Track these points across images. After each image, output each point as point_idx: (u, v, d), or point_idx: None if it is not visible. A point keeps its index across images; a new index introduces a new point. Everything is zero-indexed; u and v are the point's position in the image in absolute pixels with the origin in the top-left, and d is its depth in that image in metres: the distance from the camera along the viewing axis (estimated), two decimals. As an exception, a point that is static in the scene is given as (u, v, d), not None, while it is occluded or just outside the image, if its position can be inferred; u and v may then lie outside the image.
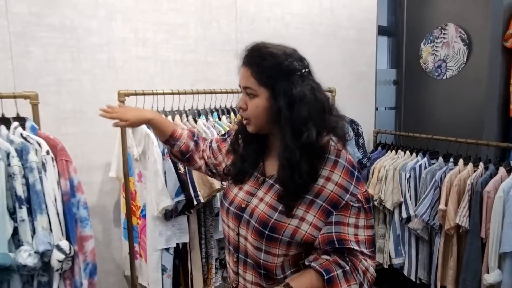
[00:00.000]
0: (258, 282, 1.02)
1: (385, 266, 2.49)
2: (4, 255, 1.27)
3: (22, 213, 1.36)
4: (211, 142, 1.27)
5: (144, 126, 1.67)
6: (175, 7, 2.09)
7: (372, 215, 1.00)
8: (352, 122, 2.17)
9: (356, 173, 0.98)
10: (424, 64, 2.90)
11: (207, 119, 1.84)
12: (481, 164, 2.06)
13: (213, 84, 2.16)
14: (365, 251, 0.95)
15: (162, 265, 1.70)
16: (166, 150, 1.56)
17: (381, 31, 2.93)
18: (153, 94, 1.78)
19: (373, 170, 2.45)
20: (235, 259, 1.07)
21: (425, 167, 2.28)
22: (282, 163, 0.98)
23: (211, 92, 1.94)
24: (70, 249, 1.40)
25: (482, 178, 1.96)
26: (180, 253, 1.71)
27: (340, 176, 0.96)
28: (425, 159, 2.32)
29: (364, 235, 0.96)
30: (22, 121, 1.48)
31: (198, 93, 1.90)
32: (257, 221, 0.99)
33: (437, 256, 2.17)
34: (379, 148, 2.65)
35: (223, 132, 1.72)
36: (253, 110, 1.00)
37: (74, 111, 1.89)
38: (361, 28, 2.75)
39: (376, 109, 2.94)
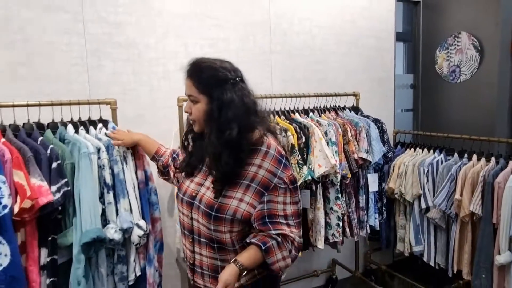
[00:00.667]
0: (212, 256, 1.26)
1: (406, 254, 2.73)
2: (99, 229, 1.58)
3: (109, 197, 1.67)
4: (177, 154, 1.59)
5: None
6: (218, 24, 2.39)
7: (297, 193, 1.23)
8: (377, 121, 2.42)
9: (283, 160, 1.22)
10: (440, 69, 3.14)
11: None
12: (493, 159, 2.29)
13: (250, 90, 2.45)
14: (290, 222, 1.21)
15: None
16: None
17: (398, 37, 3.17)
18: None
19: (394, 166, 2.70)
20: (190, 240, 1.30)
21: (442, 163, 2.52)
22: (209, 155, 1.22)
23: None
24: (147, 227, 1.70)
25: (493, 171, 2.19)
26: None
27: (270, 163, 1.20)
28: (442, 155, 2.56)
29: (291, 210, 1.21)
30: (105, 123, 1.80)
31: None
32: (205, 205, 1.22)
33: (454, 242, 2.40)
34: (399, 146, 2.90)
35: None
36: (196, 113, 1.23)
37: (135, 116, 2.20)
38: (380, 37, 3.01)
39: (395, 111, 3.19)
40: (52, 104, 1.72)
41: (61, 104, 1.73)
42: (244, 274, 1.18)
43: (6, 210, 1.46)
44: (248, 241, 1.21)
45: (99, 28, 2.08)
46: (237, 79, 1.22)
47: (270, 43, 2.59)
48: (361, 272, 3.00)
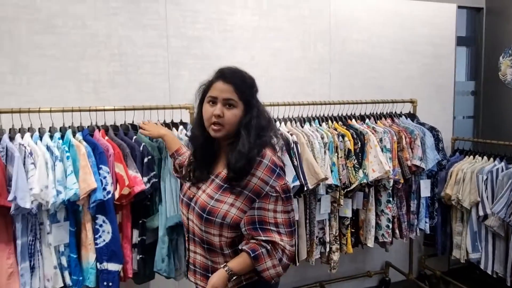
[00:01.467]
0: (203, 255, 1.32)
1: (462, 261, 2.74)
2: (181, 216, 1.85)
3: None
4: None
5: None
6: (281, 35, 2.61)
7: (290, 203, 1.25)
8: (433, 129, 2.48)
9: (277, 170, 1.24)
10: (503, 76, 3.09)
11: (310, 125, 2.32)
12: (557, 168, 2.26)
13: (309, 97, 2.63)
14: (281, 231, 1.22)
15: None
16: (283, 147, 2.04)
17: (460, 42, 3.16)
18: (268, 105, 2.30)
19: (451, 172, 2.72)
20: (187, 238, 1.38)
21: (502, 171, 2.51)
22: (240, 155, 1.21)
23: (311, 103, 2.41)
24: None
25: (556, 181, 2.17)
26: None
27: (263, 172, 1.22)
28: (502, 163, 2.55)
29: (282, 218, 1.22)
30: (185, 125, 2.09)
31: (300, 104, 2.37)
32: (199, 207, 1.27)
33: (513, 251, 2.39)
34: (457, 153, 2.91)
35: (328, 136, 2.18)
36: (230, 117, 1.24)
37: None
38: (439, 44, 3.03)
39: (454, 118, 3.18)
40: (143, 109, 2.04)
41: (150, 109, 2.04)
42: (233, 279, 1.22)
43: (110, 195, 1.78)
44: (239, 248, 1.24)
45: (180, 42, 2.39)
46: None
47: (329, 52, 2.75)
48: (415, 277, 3.05)
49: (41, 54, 2.14)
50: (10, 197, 1.61)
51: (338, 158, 2.15)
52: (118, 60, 2.27)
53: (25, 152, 1.71)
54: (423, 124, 2.53)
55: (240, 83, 1.27)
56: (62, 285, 1.80)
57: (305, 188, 2.01)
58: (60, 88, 2.18)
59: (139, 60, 2.31)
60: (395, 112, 2.64)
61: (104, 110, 1.98)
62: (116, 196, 1.80)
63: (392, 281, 3.07)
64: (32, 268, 1.77)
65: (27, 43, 2.11)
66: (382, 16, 2.86)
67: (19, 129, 1.84)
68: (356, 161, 2.16)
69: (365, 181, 2.13)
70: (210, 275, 1.28)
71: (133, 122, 2.05)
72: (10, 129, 1.85)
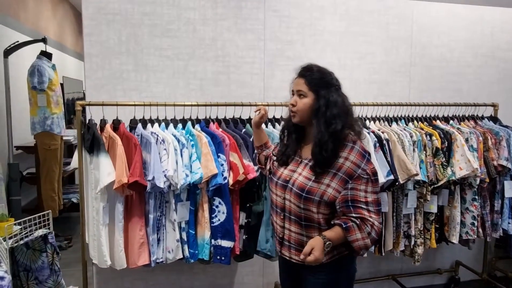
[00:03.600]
0: (299, 232, 1.47)
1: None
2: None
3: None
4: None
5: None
6: (367, 40, 2.77)
7: (377, 185, 1.42)
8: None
9: (366, 155, 1.43)
10: None
11: (397, 124, 2.47)
12: None
13: (389, 98, 2.77)
14: (371, 209, 1.38)
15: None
16: (377, 144, 2.21)
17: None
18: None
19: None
20: (282, 217, 1.52)
21: None
22: (315, 142, 1.41)
23: (397, 104, 2.55)
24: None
25: None
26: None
27: (355, 156, 1.41)
28: None
29: (372, 198, 1.39)
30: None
31: (382, 105, 2.50)
32: (297, 187, 1.44)
33: None
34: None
35: (416, 134, 2.32)
36: (301, 106, 1.47)
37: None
38: (519, 49, 3.07)
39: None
40: (250, 105, 2.27)
41: (253, 105, 2.27)
42: (327, 246, 1.34)
43: (226, 181, 2.03)
44: (332, 222, 1.41)
45: (274, 45, 2.61)
46: (340, 86, 1.50)
47: (410, 56, 2.87)
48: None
49: (159, 55, 2.43)
50: (149, 177, 1.90)
51: (426, 156, 2.28)
52: (221, 60, 2.53)
53: (157, 139, 1.99)
54: (506, 127, 2.60)
55: (309, 76, 1.49)
56: (182, 256, 2.07)
57: (396, 183, 2.16)
58: (172, 85, 2.47)
59: (240, 61, 2.56)
60: (477, 115, 2.72)
61: (218, 105, 2.23)
62: (231, 182, 2.04)
63: (461, 280, 3.13)
64: (158, 240, 2.05)
65: (148, 45, 2.41)
66: (461, 22, 2.94)
67: (139, 119, 2.13)
68: (444, 159, 2.29)
69: (453, 178, 2.25)
70: None
71: (234, 116, 2.29)
72: (131, 120, 2.15)
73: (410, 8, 2.84)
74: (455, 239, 2.41)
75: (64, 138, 4.01)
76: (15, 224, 2.28)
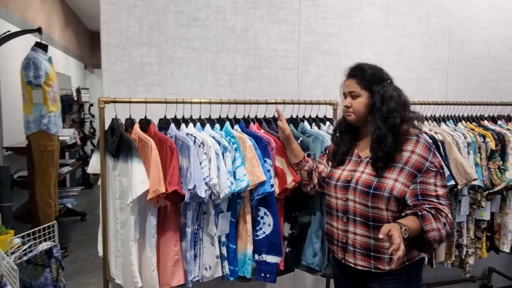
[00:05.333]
0: (366, 234, 1.41)
1: None
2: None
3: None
4: (317, 163, 1.73)
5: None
6: (406, 34, 2.58)
7: (445, 178, 1.39)
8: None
9: (432, 148, 1.40)
10: None
11: (446, 124, 2.29)
12: None
13: (426, 97, 2.58)
14: (442, 202, 1.33)
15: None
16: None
17: None
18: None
19: None
20: (344, 220, 1.46)
21: None
22: (373, 137, 1.39)
23: (432, 103, 2.35)
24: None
25: None
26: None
27: (421, 149, 1.37)
28: None
29: (442, 191, 1.34)
30: (331, 121, 2.08)
31: (421, 103, 2.29)
32: (362, 185, 1.40)
33: None
34: None
35: (470, 136, 2.14)
36: (356, 106, 1.45)
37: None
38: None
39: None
40: (284, 103, 2.03)
41: (290, 103, 2.04)
42: (404, 232, 1.22)
43: (273, 189, 1.79)
44: (404, 214, 1.34)
45: (310, 37, 2.39)
46: (392, 80, 1.46)
47: (448, 52, 2.70)
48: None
49: (185, 46, 2.16)
50: (190, 186, 1.64)
51: (480, 159, 2.11)
52: (253, 54, 2.28)
53: (194, 141, 1.73)
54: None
55: (360, 75, 1.45)
56: (221, 274, 1.82)
57: (455, 189, 1.98)
58: (199, 80, 2.21)
59: (272, 55, 2.32)
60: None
61: (268, 103, 1.97)
62: (277, 190, 1.81)
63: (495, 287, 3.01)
64: (194, 257, 1.80)
65: (173, 35, 2.14)
66: (502, 16, 2.79)
67: (172, 119, 1.86)
68: (501, 162, 2.12)
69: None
70: (372, 253, 1.41)
71: (264, 116, 2.04)
72: (160, 119, 1.88)
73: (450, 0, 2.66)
74: (506, 248, 2.25)
75: (59, 138, 3.67)
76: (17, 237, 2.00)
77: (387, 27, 2.53)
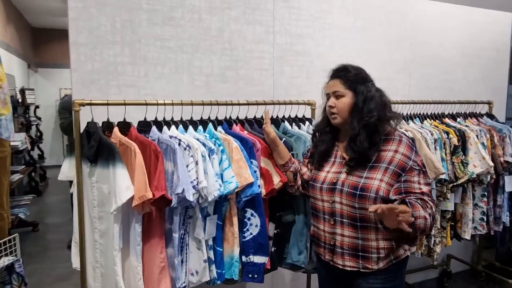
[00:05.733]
0: (353, 235, 1.43)
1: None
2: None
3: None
4: (301, 164, 1.75)
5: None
6: (372, 37, 2.69)
7: (427, 177, 1.43)
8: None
9: (414, 148, 1.45)
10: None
11: (413, 122, 2.42)
12: None
13: (393, 96, 2.72)
14: (426, 198, 1.35)
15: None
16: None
17: None
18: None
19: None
20: (332, 222, 1.47)
21: None
22: (350, 137, 1.43)
23: (399, 103, 2.51)
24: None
25: None
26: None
27: (404, 149, 1.41)
28: None
29: (426, 188, 1.38)
30: (309, 121, 2.12)
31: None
32: (348, 187, 1.41)
33: None
34: None
35: (436, 133, 2.29)
36: (340, 106, 1.46)
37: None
38: (498, 49, 3.23)
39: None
40: (265, 103, 2.04)
41: (271, 104, 2.05)
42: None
43: (259, 189, 1.79)
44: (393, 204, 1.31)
45: (284, 38, 2.41)
46: (373, 82, 1.51)
47: (411, 54, 2.86)
48: (472, 268, 3.23)
49: (160, 46, 2.09)
50: (179, 190, 1.59)
51: (445, 154, 2.26)
52: (229, 54, 2.26)
53: (179, 144, 1.68)
54: (503, 123, 2.70)
55: (344, 75, 1.48)
56: (209, 278, 1.79)
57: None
58: (175, 80, 2.15)
59: (248, 55, 2.32)
60: (479, 113, 2.80)
61: (249, 104, 1.97)
62: (264, 191, 1.81)
63: (454, 272, 3.24)
64: (181, 262, 1.75)
65: (147, 34, 2.06)
66: (453, 21, 3.01)
67: (152, 121, 1.79)
68: (463, 156, 2.29)
69: (474, 176, 2.26)
70: (360, 253, 1.43)
71: (238, 117, 2.05)
72: (139, 122, 1.81)
73: (410, 5, 2.82)
74: (467, 236, 2.44)
75: (11, 144, 3.38)
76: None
77: (355, 29, 2.62)
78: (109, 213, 1.61)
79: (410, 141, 1.47)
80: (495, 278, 3.07)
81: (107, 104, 1.69)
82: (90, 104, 1.67)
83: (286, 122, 2.05)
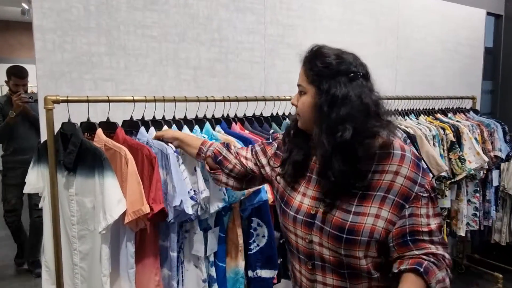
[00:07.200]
0: (340, 284, 1.01)
1: (503, 244, 3.02)
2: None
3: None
4: (253, 146, 1.29)
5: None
6: (361, 29, 2.59)
7: (438, 204, 1.02)
8: (500, 123, 2.69)
9: (421, 164, 0.99)
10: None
11: (409, 118, 2.35)
12: None
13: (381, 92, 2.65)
14: (435, 239, 0.96)
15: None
16: (407, 141, 2.03)
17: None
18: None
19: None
20: (310, 267, 1.05)
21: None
22: (318, 159, 1.00)
23: (391, 98, 2.44)
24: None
25: None
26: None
27: (408, 169, 0.96)
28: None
29: (435, 223, 0.97)
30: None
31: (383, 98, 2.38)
32: (331, 227, 0.98)
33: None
34: None
35: (433, 129, 2.22)
36: (301, 106, 1.03)
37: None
38: (472, 45, 3.29)
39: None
40: (265, 100, 1.87)
41: (267, 99, 1.87)
42: None
43: (267, 196, 1.60)
44: (396, 271, 0.94)
45: (275, 30, 2.23)
46: (358, 74, 0.99)
47: (397, 48, 2.80)
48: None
49: (141, 34, 1.83)
50: (176, 202, 1.36)
51: (443, 150, 2.21)
52: (218, 45, 2.04)
53: (174, 148, 1.45)
54: (488, 119, 2.72)
55: (310, 63, 1.02)
56: (210, 300, 1.57)
57: (428, 181, 2.02)
58: (160, 74, 1.89)
59: (238, 47, 2.11)
60: (466, 108, 2.80)
61: (248, 100, 1.77)
62: (271, 197, 1.62)
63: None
64: (177, 283, 1.52)
65: (126, 20, 1.79)
66: (434, 17, 3.00)
67: (140, 120, 1.54)
68: (460, 152, 2.25)
69: (472, 172, 2.23)
70: None
71: (261, 113, 1.86)
72: (124, 122, 1.56)
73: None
74: (462, 232, 2.42)
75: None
76: None
77: (345, 21, 2.50)
78: (93, 231, 1.35)
79: (416, 155, 1.02)
80: (475, 270, 3.12)
81: (88, 101, 1.41)
82: (67, 101, 1.38)
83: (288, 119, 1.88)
